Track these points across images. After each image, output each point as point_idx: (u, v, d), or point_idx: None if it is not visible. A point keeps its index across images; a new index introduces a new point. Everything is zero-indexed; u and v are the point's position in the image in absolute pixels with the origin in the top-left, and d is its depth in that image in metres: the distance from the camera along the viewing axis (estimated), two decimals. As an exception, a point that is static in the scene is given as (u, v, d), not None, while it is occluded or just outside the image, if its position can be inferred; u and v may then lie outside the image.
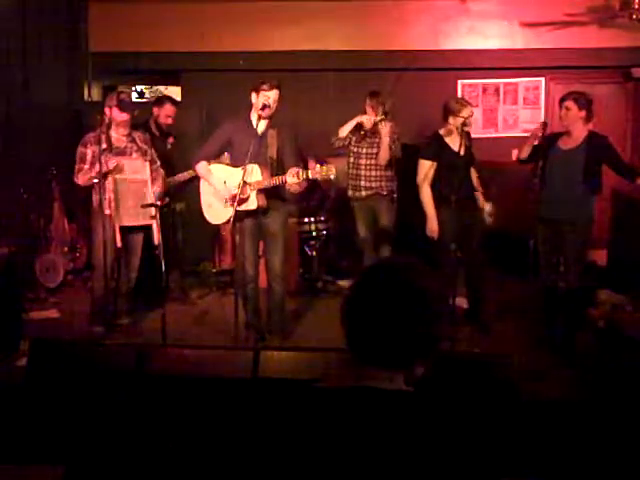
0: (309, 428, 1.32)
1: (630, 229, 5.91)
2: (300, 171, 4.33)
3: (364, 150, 5.43)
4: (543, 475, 2.35)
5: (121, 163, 4.80)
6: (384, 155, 5.29)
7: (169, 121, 5.82)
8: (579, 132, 4.58)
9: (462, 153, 4.86)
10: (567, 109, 4.56)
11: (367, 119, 5.29)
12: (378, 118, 5.21)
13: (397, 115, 5.35)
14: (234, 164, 4.61)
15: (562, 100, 4.63)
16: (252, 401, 2.54)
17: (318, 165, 4.40)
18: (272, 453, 1.34)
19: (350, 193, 5.58)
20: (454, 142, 4.84)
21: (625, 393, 3.35)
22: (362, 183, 5.47)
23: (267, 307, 4.83)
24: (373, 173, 5.43)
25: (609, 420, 2.57)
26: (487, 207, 5.01)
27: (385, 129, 5.18)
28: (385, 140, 5.22)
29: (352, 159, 5.51)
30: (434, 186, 4.87)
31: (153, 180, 4.97)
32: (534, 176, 4.82)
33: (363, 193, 5.48)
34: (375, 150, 5.38)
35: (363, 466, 1.26)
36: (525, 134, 5.07)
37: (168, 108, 5.80)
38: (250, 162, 4.41)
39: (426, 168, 4.86)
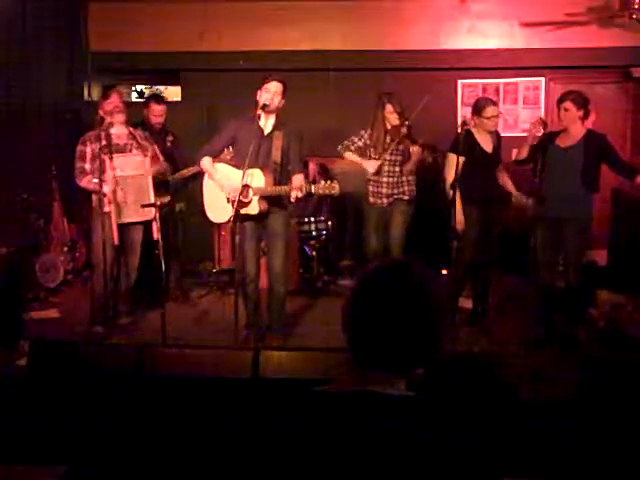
0: (310, 431, 1.31)
1: (630, 229, 5.91)
2: (304, 186, 4.38)
3: (387, 157, 5.26)
4: (543, 475, 2.35)
5: (122, 170, 4.82)
6: (411, 169, 5.25)
7: (159, 120, 5.78)
8: (577, 131, 4.60)
9: (489, 151, 4.87)
10: (566, 110, 4.59)
11: (372, 165, 5.21)
12: (403, 131, 5.10)
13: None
14: (238, 163, 4.59)
15: (560, 101, 4.65)
16: (252, 401, 2.54)
17: (322, 181, 4.44)
18: (272, 454, 1.34)
19: (371, 200, 5.37)
20: (483, 140, 4.85)
21: (625, 393, 3.34)
22: (384, 190, 5.30)
23: (268, 306, 4.83)
24: (396, 179, 5.29)
25: (609, 420, 2.57)
26: (523, 198, 4.94)
27: (416, 153, 5.12)
28: (414, 160, 5.17)
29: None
30: (460, 182, 4.85)
31: (156, 170, 4.98)
32: (535, 175, 4.83)
33: (385, 200, 5.31)
34: (399, 158, 5.26)
35: (364, 470, 1.26)
36: (525, 134, 5.07)
37: (154, 108, 5.77)
38: (254, 163, 4.42)
39: (455, 162, 4.85)
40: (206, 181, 4.77)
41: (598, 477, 2.37)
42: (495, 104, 4.98)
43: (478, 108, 4.90)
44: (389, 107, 5.20)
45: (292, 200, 4.45)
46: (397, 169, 5.29)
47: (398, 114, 5.18)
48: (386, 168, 5.29)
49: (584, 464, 2.39)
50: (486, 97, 5.30)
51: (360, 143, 5.35)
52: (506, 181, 5.07)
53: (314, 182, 4.65)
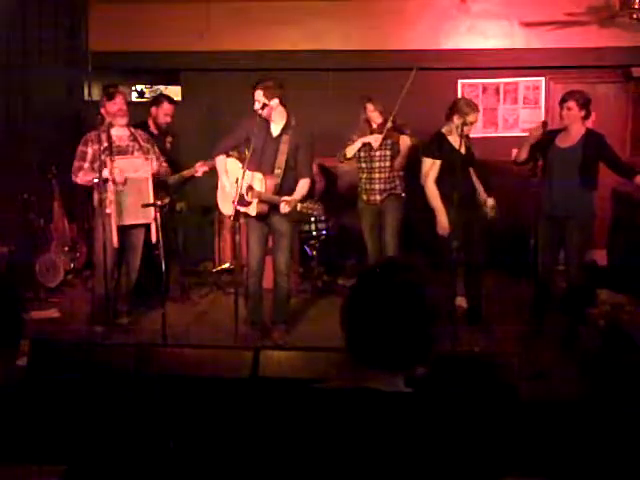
0: (309, 429, 1.32)
1: (630, 229, 5.91)
2: (291, 202, 4.44)
3: (377, 153, 5.35)
4: (543, 475, 2.35)
5: (123, 176, 4.82)
6: (402, 162, 5.31)
7: (167, 120, 5.82)
8: (577, 130, 4.63)
9: (463, 152, 4.88)
10: (569, 109, 4.60)
11: (375, 139, 5.28)
12: (388, 125, 5.20)
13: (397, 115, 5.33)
14: (246, 162, 4.64)
15: (563, 100, 4.66)
16: (252, 401, 2.54)
17: (308, 201, 4.53)
18: (271, 453, 1.34)
19: (364, 197, 5.47)
20: (456, 141, 4.85)
21: (625, 393, 3.35)
22: (377, 187, 5.39)
23: (272, 302, 4.89)
24: (388, 175, 5.38)
25: (609, 420, 2.57)
26: (490, 202, 5.04)
27: (405, 143, 5.20)
28: (404, 152, 5.25)
29: (364, 164, 5.42)
30: (437, 184, 4.87)
31: (157, 173, 4.99)
32: (532, 175, 4.85)
33: (378, 197, 5.40)
34: (388, 153, 5.34)
35: (363, 467, 1.26)
36: (525, 134, 5.07)
37: (166, 107, 5.80)
38: (258, 164, 4.51)
39: (429, 166, 4.87)
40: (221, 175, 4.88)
41: (599, 477, 2.37)
42: (478, 110, 5.01)
43: (462, 111, 4.83)
44: (370, 106, 5.32)
45: (281, 211, 4.51)
46: (388, 164, 5.37)
47: (380, 112, 5.28)
48: (377, 164, 5.38)
49: (584, 464, 2.39)
50: (469, 101, 5.26)
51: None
52: (477, 183, 5.10)
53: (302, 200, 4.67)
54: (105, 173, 4.70)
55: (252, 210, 4.59)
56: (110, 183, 4.75)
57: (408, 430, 1.28)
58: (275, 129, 4.60)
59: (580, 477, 2.38)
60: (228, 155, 4.84)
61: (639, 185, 4.62)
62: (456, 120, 4.84)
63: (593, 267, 6.01)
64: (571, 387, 3.86)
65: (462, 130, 4.77)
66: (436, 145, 4.89)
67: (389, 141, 5.30)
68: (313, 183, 6.55)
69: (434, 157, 4.87)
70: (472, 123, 4.87)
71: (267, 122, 4.57)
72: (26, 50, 6.21)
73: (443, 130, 4.92)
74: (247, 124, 4.63)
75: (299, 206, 4.46)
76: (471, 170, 5.06)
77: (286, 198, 4.45)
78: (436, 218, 4.86)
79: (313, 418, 1.32)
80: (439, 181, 4.86)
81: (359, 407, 1.31)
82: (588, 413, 2.66)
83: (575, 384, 3.90)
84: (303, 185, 4.62)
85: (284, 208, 4.46)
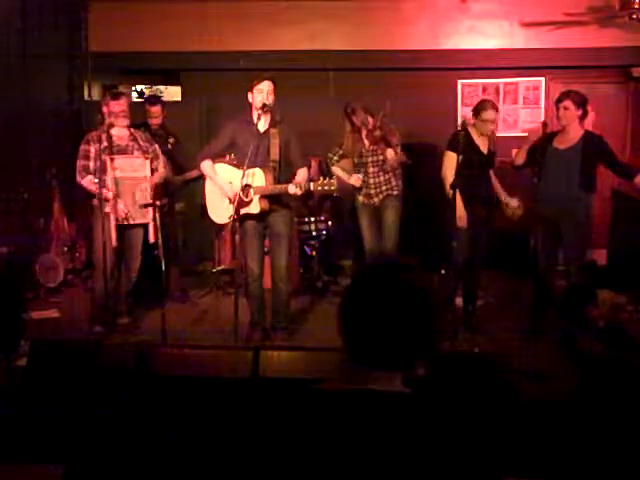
0: (308, 430, 1.32)
1: (630, 229, 5.92)
2: (303, 183, 4.39)
3: (369, 159, 5.36)
4: (543, 475, 2.35)
5: (122, 171, 4.80)
6: (392, 164, 5.29)
7: (156, 121, 5.76)
8: (575, 131, 4.63)
9: (485, 153, 4.89)
10: (566, 108, 4.61)
11: (356, 181, 5.31)
12: (375, 133, 5.21)
13: (396, 115, 5.34)
14: (238, 163, 4.62)
15: (559, 101, 4.66)
16: (252, 401, 2.53)
17: (321, 178, 4.46)
18: (271, 453, 1.34)
19: (361, 199, 5.46)
20: (479, 141, 4.86)
21: (625, 393, 3.34)
22: (372, 191, 5.39)
23: (273, 305, 4.86)
24: (382, 178, 5.37)
25: (609, 420, 2.57)
26: (513, 202, 5.02)
27: (391, 156, 5.18)
28: (391, 162, 5.23)
29: (359, 169, 5.43)
30: (458, 179, 4.84)
31: (153, 171, 4.98)
32: (534, 175, 4.85)
33: (375, 200, 5.40)
34: (380, 157, 5.32)
35: (362, 468, 1.26)
36: (525, 134, 5.08)
37: (148, 109, 5.76)
38: (253, 162, 4.44)
39: (452, 160, 4.84)
40: (208, 183, 4.80)
41: (598, 477, 2.37)
42: (494, 108, 4.94)
43: (477, 109, 4.91)
44: (354, 118, 5.31)
45: (291, 193, 4.45)
46: (381, 168, 5.36)
47: (361, 122, 5.27)
48: (370, 169, 5.39)
49: (584, 464, 2.39)
50: (487, 100, 5.25)
51: (341, 152, 5.49)
52: (496, 185, 5.08)
53: (312, 180, 4.66)
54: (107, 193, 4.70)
55: (254, 208, 4.52)
56: (109, 182, 4.75)
57: (408, 431, 1.28)
58: (262, 125, 4.59)
59: (580, 477, 2.38)
60: (215, 161, 4.74)
61: (639, 185, 4.62)
62: (475, 120, 4.88)
63: (593, 267, 6.01)
64: (571, 387, 3.86)
65: (464, 128, 4.75)
66: (461, 141, 4.82)
67: (378, 147, 5.29)
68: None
69: (457, 151, 4.82)
70: (487, 121, 4.86)
71: (252, 122, 4.55)
72: (26, 50, 6.21)
73: (469, 127, 4.91)
74: (232, 127, 4.63)
75: (312, 186, 4.40)
76: (491, 172, 5.05)
77: (296, 181, 4.40)
78: (455, 212, 4.79)
79: (313, 419, 1.32)
80: (457, 177, 4.82)
81: (359, 408, 1.31)
82: (588, 413, 2.66)
83: (575, 384, 3.89)
84: (302, 172, 4.61)
85: (295, 190, 4.36)
